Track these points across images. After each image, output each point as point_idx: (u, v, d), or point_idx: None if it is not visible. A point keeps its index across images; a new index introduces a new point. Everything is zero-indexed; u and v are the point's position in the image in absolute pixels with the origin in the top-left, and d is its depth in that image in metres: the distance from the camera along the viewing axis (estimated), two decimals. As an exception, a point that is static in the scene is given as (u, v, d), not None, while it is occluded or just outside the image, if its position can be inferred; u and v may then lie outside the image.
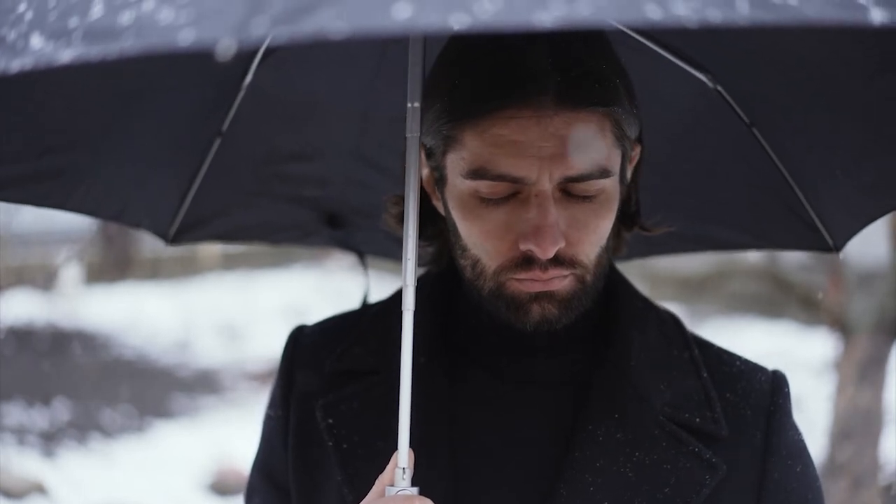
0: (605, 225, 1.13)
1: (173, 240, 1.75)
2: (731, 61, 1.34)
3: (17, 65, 0.69)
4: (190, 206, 1.69)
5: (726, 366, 1.28)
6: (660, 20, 0.63)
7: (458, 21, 0.62)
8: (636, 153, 1.21)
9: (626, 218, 1.26)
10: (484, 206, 1.11)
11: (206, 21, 0.65)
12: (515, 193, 1.09)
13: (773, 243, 1.76)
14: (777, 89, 1.35)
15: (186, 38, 0.64)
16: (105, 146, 1.42)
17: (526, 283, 1.13)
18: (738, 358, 1.30)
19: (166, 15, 0.67)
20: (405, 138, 1.12)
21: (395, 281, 1.16)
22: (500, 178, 1.08)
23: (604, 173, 1.09)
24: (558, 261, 1.11)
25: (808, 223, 1.53)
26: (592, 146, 1.07)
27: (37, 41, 0.70)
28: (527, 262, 1.11)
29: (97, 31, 0.68)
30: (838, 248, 1.55)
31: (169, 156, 1.59)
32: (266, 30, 0.63)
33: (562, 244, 1.09)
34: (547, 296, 1.13)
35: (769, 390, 1.25)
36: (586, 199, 1.10)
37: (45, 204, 1.44)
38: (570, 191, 1.09)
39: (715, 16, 0.63)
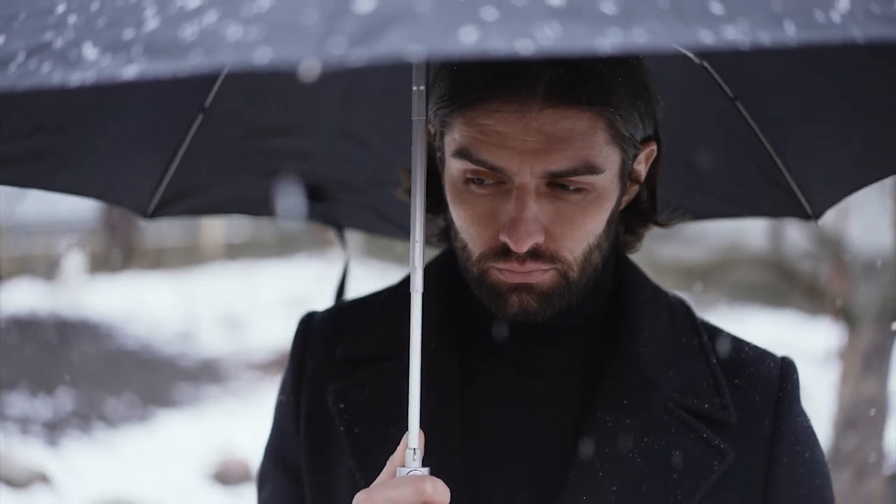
0: (591, 222, 1.13)
1: (152, 215, 1.74)
2: None
3: (76, 78, 0.67)
4: (170, 182, 1.68)
5: (735, 352, 1.27)
6: (713, 44, 0.65)
7: (523, 47, 0.63)
8: (648, 152, 1.21)
9: (638, 214, 1.27)
10: (472, 192, 1.12)
11: (281, 39, 0.64)
12: (502, 183, 1.10)
13: (753, 211, 1.78)
14: (763, 62, 1.36)
15: (263, 56, 0.63)
16: (91, 126, 1.41)
17: (505, 273, 1.13)
18: (747, 344, 1.30)
19: (234, 31, 0.66)
20: (412, 121, 1.12)
21: (390, 270, 1.16)
22: (480, 163, 1.09)
23: (590, 169, 1.09)
24: (538, 255, 1.11)
25: (787, 191, 1.56)
26: (579, 143, 1.07)
27: (91, 52, 0.69)
28: (506, 252, 1.11)
29: (159, 45, 0.67)
30: (817, 216, 1.59)
31: (152, 134, 1.58)
32: (345, 50, 0.63)
33: (539, 239, 1.10)
34: (526, 288, 1.14)
35: (777, 376, 1.25)
36: (574, 195, 1.10)
37: (31, 185, 1.44)
38: (557, 186, 1.10)
39: (765, 38, 0.65)
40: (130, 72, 0.66)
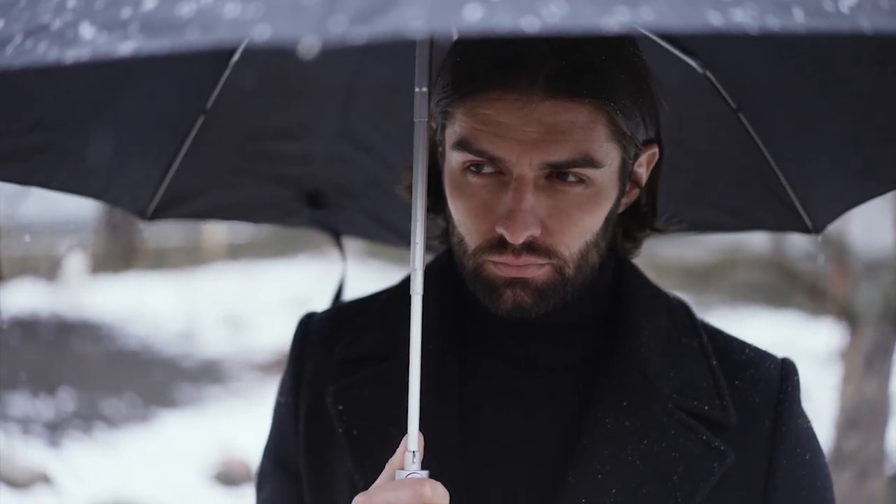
0: (589, 218, 1.13)
1: (151, 217, 1.74)
2: (722, 47, 1.34)
3: (72, 55, 0.67)
4: (170, 184, 1.67)
5: (735, 353, 1.27)
6: (721, 27, 0.64)
7: (528, 24, 0.62)
8: (649, 155, 1.21)
9: (637, 219, 1.26)
10: (470, 183, 1.12)
11: (280, 17, 0.64)
12: (500, 174, 1.10)
13: (753, 224, 1.77)
14: (768, 75, 1.36)
15: (262, 33, 0.63)
16: (92, 124, 1.40)
17: (500, 267, 1.13)
18: (748, 346, 1.29)
19: (231, 9, 0.65)
20: (414, 123, 1.12)
21: (390, 271, 1.15)
22: (480, 153, 1.09)
23: (589, 162, 1.08)
24: (533, 248, 1.11)
25: (788, 205, 1.55)
26: (579, 135, 1.07)
27: (88, 31, 0.68)
28: (501, 244, 1.11)
29: (156, 23, 0.67)
30: (818, 230, 1.59)
31: (153, 134, 1.57)
32: (345, 28, 0.62)
33: (535, 232, 1.09)
34: (521, 283, 1.14)
35: (778, 378, 1.25)
36: (572, 188, 1.10)
37: (30, 182, 1.42)
38: (555, 178, 1.09)
39: (774, 23, 0.65)
40: (126, 48, 0.66)
